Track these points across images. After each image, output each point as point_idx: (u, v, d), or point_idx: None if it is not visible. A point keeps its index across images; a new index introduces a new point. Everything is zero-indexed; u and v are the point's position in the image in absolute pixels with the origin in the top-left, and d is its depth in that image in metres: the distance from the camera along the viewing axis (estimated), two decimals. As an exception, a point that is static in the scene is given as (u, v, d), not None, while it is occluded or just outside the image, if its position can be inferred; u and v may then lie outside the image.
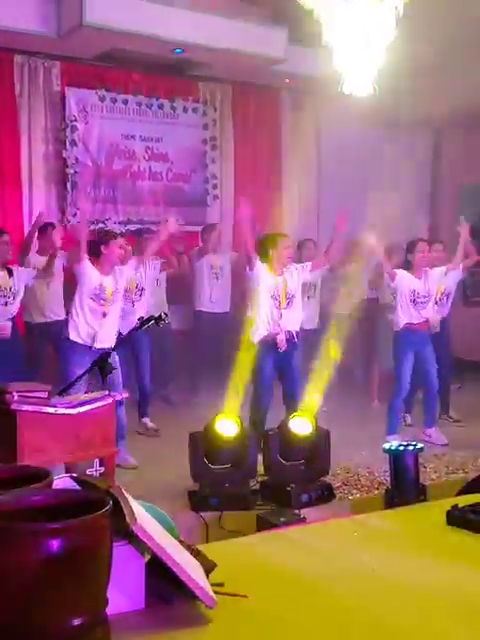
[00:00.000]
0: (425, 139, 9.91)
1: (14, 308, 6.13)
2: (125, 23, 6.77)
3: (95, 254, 5.44)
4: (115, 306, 5.48)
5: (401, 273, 6.14)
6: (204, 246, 7.67)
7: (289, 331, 5.64)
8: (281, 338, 5.56)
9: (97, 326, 5.33)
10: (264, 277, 5.61)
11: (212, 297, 7.66)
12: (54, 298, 6.71)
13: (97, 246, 5.46)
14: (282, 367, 5.64)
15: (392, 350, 6.39)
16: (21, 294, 6.17)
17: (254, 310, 5.65)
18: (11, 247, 6.32)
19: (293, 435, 4.68)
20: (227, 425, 4.63)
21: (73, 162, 7.66)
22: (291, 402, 5.58)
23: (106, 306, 5.40)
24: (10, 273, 6.15)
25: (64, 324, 5.64)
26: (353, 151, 8.78)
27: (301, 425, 4.71)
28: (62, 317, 6.60)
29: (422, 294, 6.10)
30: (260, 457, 4.74)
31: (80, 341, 5.29)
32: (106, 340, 5.24)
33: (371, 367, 7.97)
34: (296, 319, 5.72)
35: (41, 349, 6.71)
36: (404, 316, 6.10)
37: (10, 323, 6.04)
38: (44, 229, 6.83)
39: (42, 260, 6.69)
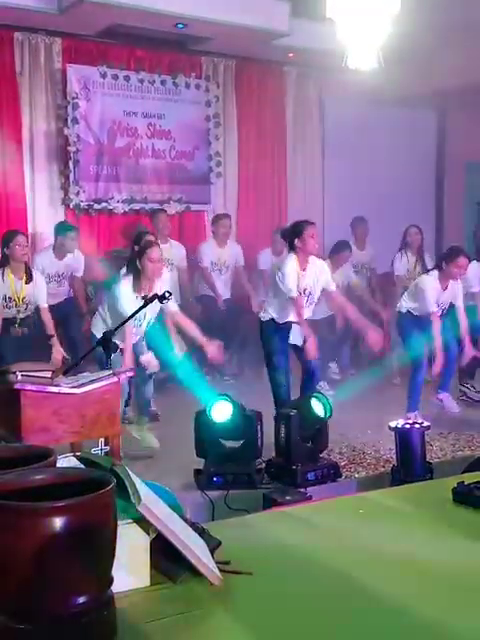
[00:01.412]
0: (429, 115, 9.82)
1: (27, 313, 6.05)
2: (126, -2, 6.70)
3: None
4: None
5: (430, 291, 5.93)
6: (215, 237, 7.65)
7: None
8: (295, 334, 5.51)
9: None
10: (290, 270, 5.46)
11: (217, 284, 7.65)
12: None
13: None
14: (298, 349, 5.56)
15: (398, 331, 6.32)
16: (33, 305, 6.02)
17: (274, 294, 5.56)
18: (29, 248, 6.19)
19: (309, 416, 4.65)
20: (231, 404, 4.62)
21: (75, 140, 7.60)
22: (308, 380, 5.52)
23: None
24: (28, 280, 5.95)
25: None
26: (357, 126, 8.72)
27: (319, 406, 4.69)
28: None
29: (443, 299, 5.98)
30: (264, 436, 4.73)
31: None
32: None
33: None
34: (310, 310, 5.66)
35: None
36: (412, 308, 6.01)
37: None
38: (63, 232, 6.79)
39: (57, 264, 6.64)
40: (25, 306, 5.98)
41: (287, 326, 5.49)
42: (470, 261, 6.08)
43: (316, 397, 4.77)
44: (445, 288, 5.98)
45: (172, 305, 5.39)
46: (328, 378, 7.18)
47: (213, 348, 5.41)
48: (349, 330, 7.55)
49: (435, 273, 6.01)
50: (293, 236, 5.48)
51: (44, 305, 6.04)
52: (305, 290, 5.48)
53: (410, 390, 6.06)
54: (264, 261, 7.92)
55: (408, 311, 6.10)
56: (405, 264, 7.62)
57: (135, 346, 5.25)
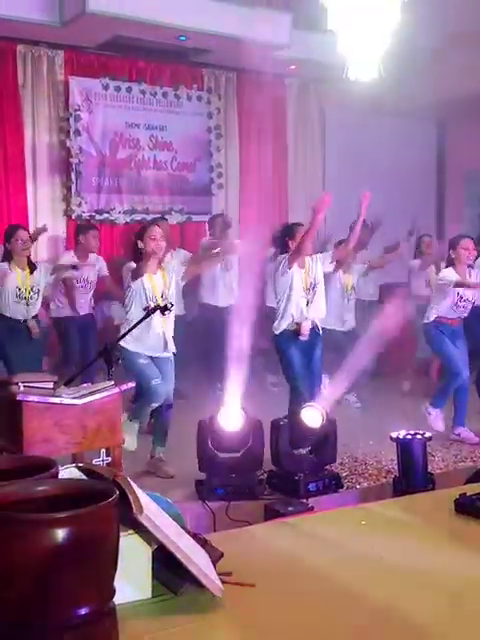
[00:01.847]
0: (429, 125, 9.85)
1: (35, 309, 6.10)
2: (128, 10, 6.73)
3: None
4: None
5: (450, 274, 5.88)
6: (213, 237, 7.64)
7: (313, 321, 5.59)
8: (305, 326, 5.51)
9: None
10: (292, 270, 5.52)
11: (219, 290, 7.62)
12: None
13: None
14: (307, 356, 5.60)
15: (428, 344, 6.18)
16: (41, 295, 6.10)
17: (282, 302, 5.58)
18: (30, 243, 6.24)
19: (303, 425, 4.66)
20: (234, 415, 4.62)
21: (77, 151, 7.63)
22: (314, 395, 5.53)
23: None
24: (32, 270, 6.05)
25: None
26: (358, 137, 8.74)
27: (312, 416, 4.69)
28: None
29: (466, 295, 5.90)
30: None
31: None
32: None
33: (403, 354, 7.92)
34: (320, 309, 5.66)
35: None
36: (439, 311, 5.93)
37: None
38: (84, 231, 6.82)
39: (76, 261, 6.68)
40: (35, 296, 6.02)
41: (292, 332, 5.52)
42: (475, 243, 6.04)
43: (309, 407, 4.76)
44: (464, 275, 5.91)
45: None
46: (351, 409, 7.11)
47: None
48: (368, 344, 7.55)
49: (449, 268, 5.99)
50: (286, 237, 5.56)
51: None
52: (311, 284, 5.53)
53: (441, 388, 6.02)
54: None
55: (436, 319, 5.96)
56: (417, 273, 7.66)
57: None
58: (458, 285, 5.83)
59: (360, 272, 7.31)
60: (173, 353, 5.22)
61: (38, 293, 6.06)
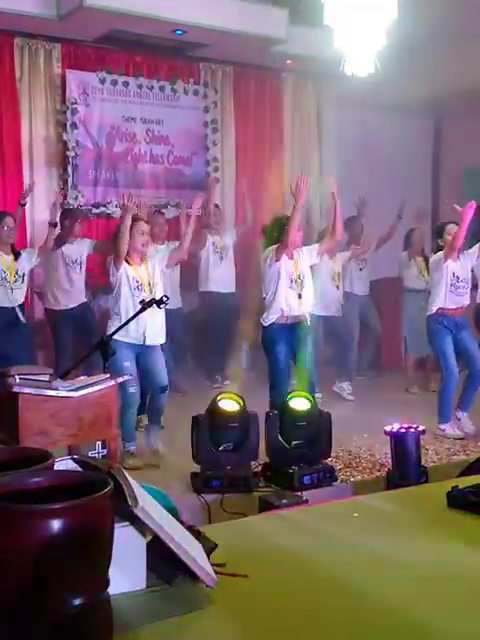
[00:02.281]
0: (426, 121, 9.86)
1: (21, 294, 6.12)
2: (125, 4, 6.72)
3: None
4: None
5: (440, 255, 5.95)
6: (206, 227, 7.66)
7: (303, 314, 5.61)
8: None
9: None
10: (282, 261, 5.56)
11: (217, 277, 7.65)
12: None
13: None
14: (296, 351, 5.61)
15: (428, 336, 6.17)
16: (27, 278, 6.18)
17: (269, 293, 5.60)
18: (16, 231, 6.30)
19: (294, 416, 4.69)
20: (229, 406, 4.64)
21: (74, 145, 7.63)
22: (306, 386, 5.55)
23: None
24: (16, 257, 6.13)
25: None
26: (354, 132, 8.75)
27: (300, 404, 4.72)
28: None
29: (461, 278, 5.93)
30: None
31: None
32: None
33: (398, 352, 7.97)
34: (310, 301, 5.68)
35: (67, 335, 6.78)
36: (439, 301, 5.93)
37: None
38: (73, 215, 6.85)
39: (70, 248, 6.71)
40: (19, 281, 6.06)
41: (288, 327, 5.52)
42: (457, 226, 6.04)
43: (297, 396, 4.79)
44: (455, 259, 5.93)
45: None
46: (343, 398, 7.14)
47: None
48: (354, 333, 7.60)
49: (439, 253, 6.03)
50: (274, 230, 5.64)
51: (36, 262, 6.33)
52: (299, 276, 5.54)
53: (440, 401, 5.95)
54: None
55: (438, 310, 5.95)
56: (408, 267, 7.69)
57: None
58: (447, 258, 5.86)
59: (344, 259, 7.38)
60: (167, 341, 5.32)
61: (23, 278, 6.10)
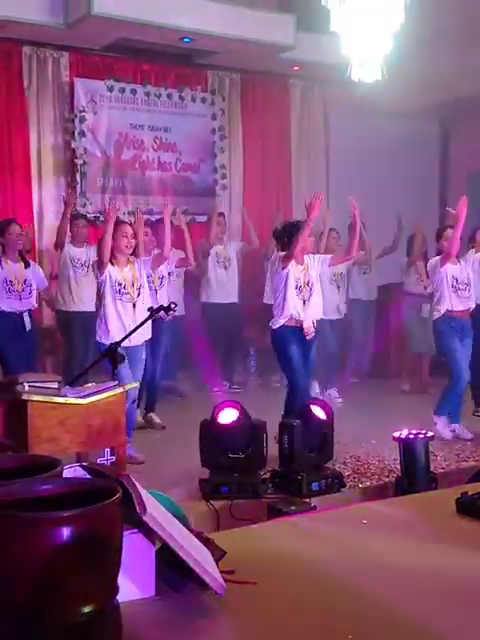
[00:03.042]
0: (433, 127, 9.85)
1: (28, 302, 6.14)
2: (133, 13, 6.76)
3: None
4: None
5: (438, 261, 6.01)
6: (212, 236, 7.66)
7: (311, 320, 5.61)
8: (308, 326, 5.54)
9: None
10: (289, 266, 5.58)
11: (220, 288, 7.65)
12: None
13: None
14: (304, 353, 5.63)
15: (435, 340, 6.22)
16: (35, 290, 6.20)
17: (278, 298, 5.63)
18: (26, 238, 6.33)
19: (314, 423, 4.67)
20: (235, 412, 4.64)
21: (82, 152, 7.67)
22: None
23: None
24: (26, 265, 6.14)
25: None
26: (362, 138, 8.75)
27: (320, 411, 4.72)
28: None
29: (460, 280, 5.97)
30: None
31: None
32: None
33: (400, 354, 7.99)
34: (317, 308, 5.69)
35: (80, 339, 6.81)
36: (446, 303, 5.95)
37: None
38: (73, 220, 6.92)
39: (77, 251, 6.75)
40: (28, 290, 6.06)
41: (299, 329, 5.54)
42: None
43: (318, 404, 4.79)
44: (455, 263, 6.00)
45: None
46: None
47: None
48: (352, 336, 7.64)
49: (436, 258, 6.13)
50: (286, 236, 5.64)
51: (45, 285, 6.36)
52: (307, 282, 5.55)
53: (445, 399, 6.00)
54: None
55: (446, 313, 5.97)
56: (409, 271, 7.70)
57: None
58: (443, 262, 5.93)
59: (347, 263, 7.41)
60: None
61: (31, 288, 6.11)
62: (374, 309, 8.09)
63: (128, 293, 5.29)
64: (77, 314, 6.77)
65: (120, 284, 5.27)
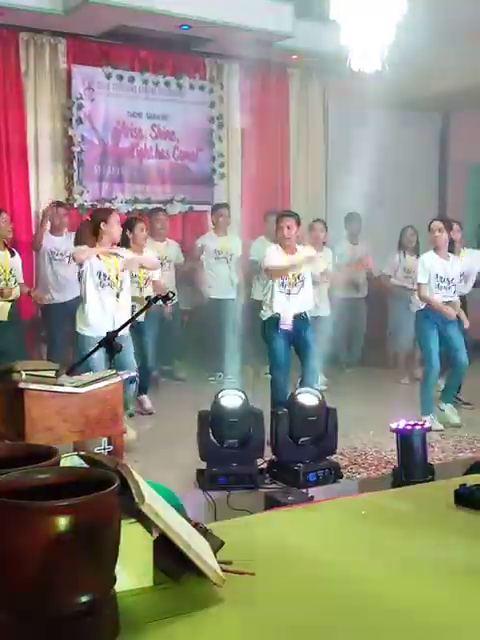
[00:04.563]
0: (433, 118, 9.83)
1: (15, 291, 6.10)
2: (131, -1, 6.72)
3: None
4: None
5: (430, 255, 6.04)
6: (215, 228, 7.64)
7: (298, 313, 5.59)
8: (286, 317, 5.54)
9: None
10: (274, 257, 5.58)
11: (220, 282, 7.62)
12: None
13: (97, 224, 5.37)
14: (297, 345, 5.64)
15: (415, 331, 6.31)
16: (21, 279, 6.17)
17: (266, 290, 5.64)
18: (11, 225, 6.31)
19: (302, 413, 4.68)
20: (233, 403, 4.63)
21: (79, 140, 7.63)
22: (309, 379, 5.57)
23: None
24: (12, 254, 6.12)
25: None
26: (361, 128, 8.72)
27: (309, 402, 4.72)
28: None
29: (444, 278, 5.99)
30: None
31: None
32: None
33: (387, 346, 8.00)
34: (305, 301, 5.67)
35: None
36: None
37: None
38: (54, 207, 6.91)
39: (57, 240, 6.72)
40: (12, 279, 6.00)
41: (279, 319, 5.54)
42: (443, 223, 6.07)
43: (304, 393, 4.79)
44: (445, 258, 6.03)
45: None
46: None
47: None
48: (345, 329, 7.65)
49: (430, 252, 6.13)
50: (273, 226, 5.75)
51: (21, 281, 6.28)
52: (299, 276, 5.54)
53: (422, 394, 6.10)
54: (257, 250, 7.69)
55: (426, 306, 6.04)
56: (397, 264, 7.69)
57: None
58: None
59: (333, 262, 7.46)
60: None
61: (16, 278, 6.08)
62: (364, 304, 8.13)
63: (111, 284, 5.27)
64: (59, 306, 6.76)
65: (104, 275, 5.25)
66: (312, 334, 5.72)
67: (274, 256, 5.60)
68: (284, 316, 5.55)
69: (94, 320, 5.17)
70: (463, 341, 6.08)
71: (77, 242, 5.43)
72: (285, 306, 5.58)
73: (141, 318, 5.35)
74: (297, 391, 4.87)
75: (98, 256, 5.28)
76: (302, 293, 5.62)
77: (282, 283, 5.56)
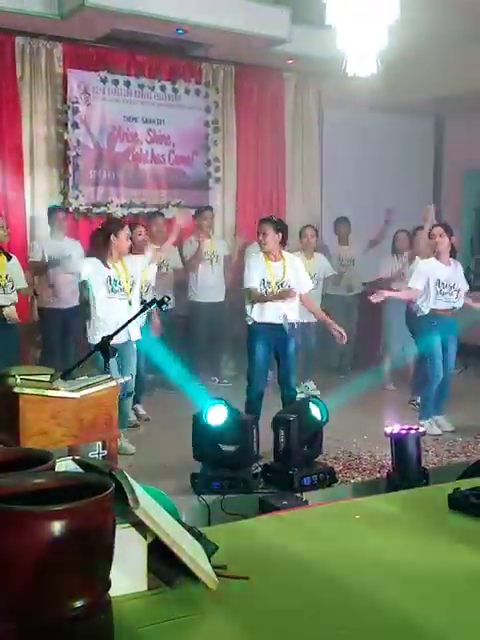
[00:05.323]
0: (428, 122, 9.85)
1: (13, 296, 6.08)
2: (127, 4, 6.71)
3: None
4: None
5: (430, 262, 6.03)
6: (199, 231, 7.63)
7: (285, 316, 5.56)
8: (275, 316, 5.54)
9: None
10: (255, 263, 5.57)
11: (207, 285, 7.60)
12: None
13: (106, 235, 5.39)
14: (277, 353, 5.61)
15: (416, 336, 6.29)
16: (21, 283, 6.15)
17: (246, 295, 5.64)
18: (8, 231, 6.30)
19: (311, 421, 4.67)
20: (227, 408, 4.64)
21: (75, 144, 7.63)
22: (284, 388, 5.58)
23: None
24: (8, 258, 6.09)
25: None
26: (356, 132, 8.76)
27: (316, 410, 4.72)
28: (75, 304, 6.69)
29: (447, 284, 5.99)
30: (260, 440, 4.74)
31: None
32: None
33: (381, 351, 7.99)
34: (290, 308, 5.63)
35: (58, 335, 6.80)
36: (429, 302, 6.00)
37: None
38: (52, 213, 6.89)
39: (57, 245, 6.72)
40: (9, 285, 6.01)
41: (268, 327, 5.51)
42: (446, 231, 6.06)
43: (314, 402, 4.80)
44: (447, 264, 6.02)
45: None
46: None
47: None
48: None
49: (432, 258, 6.09)
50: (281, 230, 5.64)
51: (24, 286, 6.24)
52: (282, 283, 5.53)
53: (423, 401, 6.11)
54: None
55: (430, 311, 6.02)
56: (391, 266, 7.70)
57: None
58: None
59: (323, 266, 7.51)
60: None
61: (13, 283, 6.07)
62: (355, 305, 8.14)
63: (123, 289, 5.29)
64: (57, 311, 6.75)
65: (115, 281, 5.25)
66: (294, 345, 5.67)
67: (254, 265, 5.56)
68: (271, 316, 5.52)
69: (106, 329, 5.07)
70: (455, 350, 6.12)
71: (91, 251, 5.49)
72: (268, 312, 5.55)
73: (138, 323, 5.35)
74: (298, 398, 4.88)
75: (106, 264, 5.29)
76: (287, 301, 5.57)
77: (264, 291, 5.52)
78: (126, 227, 5.47)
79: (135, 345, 5.46)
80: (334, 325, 5.66)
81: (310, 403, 4.76)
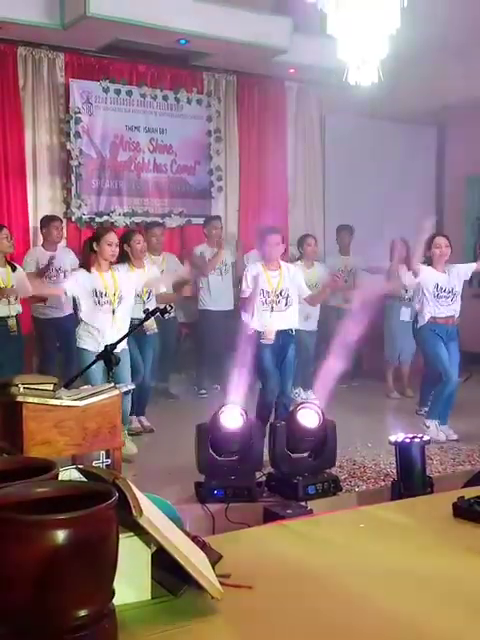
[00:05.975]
0: (430, 130, 9.87)
1: (18, 307, 6.08)
2: (129, 14, 6.75)
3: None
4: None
5: (425, 268, 6.04)
6: (209, 240, 7.63)
7: (283, 329, 5.58)
8: (268, 331, 5.55)
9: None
10: (248, 279, 5.59)
11: (216, 294, 7.60)
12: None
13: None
14: (278, 362, 5.62)
15: (420, 346, 6.28)
16: (21, 295, 6.13)
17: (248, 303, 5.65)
18: (13, 241, 6.29)
19: (300, 427, 4.67)
20: (233, 416, 4.62)
21: (77, 154, 7.65)
22: (280, 395, 5.58)
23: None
24: (13, 269, 6.09)
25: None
26: (357, 141, 8.76)
27: (308, 417, 4.70)
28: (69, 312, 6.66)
29: (446, 289, 6.01)
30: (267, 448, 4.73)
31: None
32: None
33: (383, 359, 7.97)
34: (289, 318, 5.65)
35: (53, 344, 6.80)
36: (429, 310, 6.00)
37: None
38: (47, 223, 6.89)
39: (49, 256, 6.72)
40: (14, 297, 6.00)
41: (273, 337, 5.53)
42: (448, 241, 6.09)
43: (304, 408, 4.77)
44: (443, 271, 6.04)
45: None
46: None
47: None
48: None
49: (429, 267, 6.09)
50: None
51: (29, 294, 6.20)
52: (281, 292, 5.54)
53: (437, 398, 6.07)
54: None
55: (430, 319, 6.02)
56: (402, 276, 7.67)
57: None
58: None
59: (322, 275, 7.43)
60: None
61: (16, 296, 6.05)
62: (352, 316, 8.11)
63: (109, 301, 5.28)
64: (51, 321, 6.75)
65: (101, 293, 5.25)
66: (294, 352, 5.68)
67: (252, 272, 5.59)
68: (266, 331, 5.55)
69: (91, 336, 5.18)
70: (458, 358, 6.10)
71: (82, 261, 5.52)
72: (268, 322, 5.56)
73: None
74: (297, 406, 4.85)
75: (91, 271, 5.30)
76: (287, 310, 5.59)
77: (264, 300, 5.54)
78: (111, 233, 5.40)
79: (127, 354, 5.42)
80: (327, 284, 5.78)
81: (300, 410, 4.75)
